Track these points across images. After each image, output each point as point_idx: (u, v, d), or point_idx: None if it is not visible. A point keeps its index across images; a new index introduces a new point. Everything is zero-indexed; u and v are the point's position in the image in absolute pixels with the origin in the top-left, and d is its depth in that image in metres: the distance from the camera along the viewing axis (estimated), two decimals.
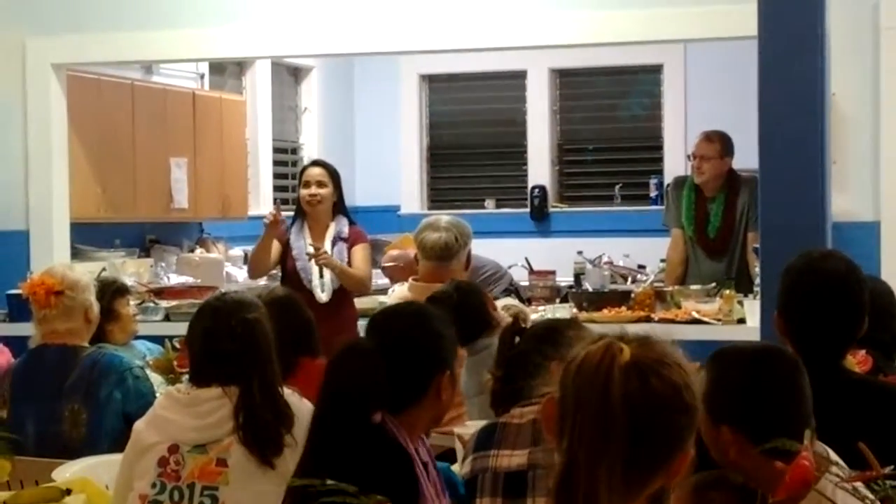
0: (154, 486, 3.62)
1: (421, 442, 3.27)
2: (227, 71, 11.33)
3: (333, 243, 6.99)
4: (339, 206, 7.14)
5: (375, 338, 3.28)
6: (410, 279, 6.17)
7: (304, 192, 7.08)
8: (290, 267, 7.01)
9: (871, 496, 2.36)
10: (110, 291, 5.76)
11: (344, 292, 6.94)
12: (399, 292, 6.01)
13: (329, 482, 2.30)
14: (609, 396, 2.04)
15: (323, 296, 6.82)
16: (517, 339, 3.90)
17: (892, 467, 2.34)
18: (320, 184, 7.05)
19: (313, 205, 7.03)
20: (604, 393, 2.04)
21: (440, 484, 3.25)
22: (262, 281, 9.30)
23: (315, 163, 7.45)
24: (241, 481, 3.48)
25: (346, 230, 7.06)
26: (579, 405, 2.06)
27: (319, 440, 3.05)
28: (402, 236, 11.18)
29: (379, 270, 10.35)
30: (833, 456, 2.80)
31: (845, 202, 6.66)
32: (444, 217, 6.16)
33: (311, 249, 6.89)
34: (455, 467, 4.06)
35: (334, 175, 7.15)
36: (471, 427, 4.47)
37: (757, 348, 3.16)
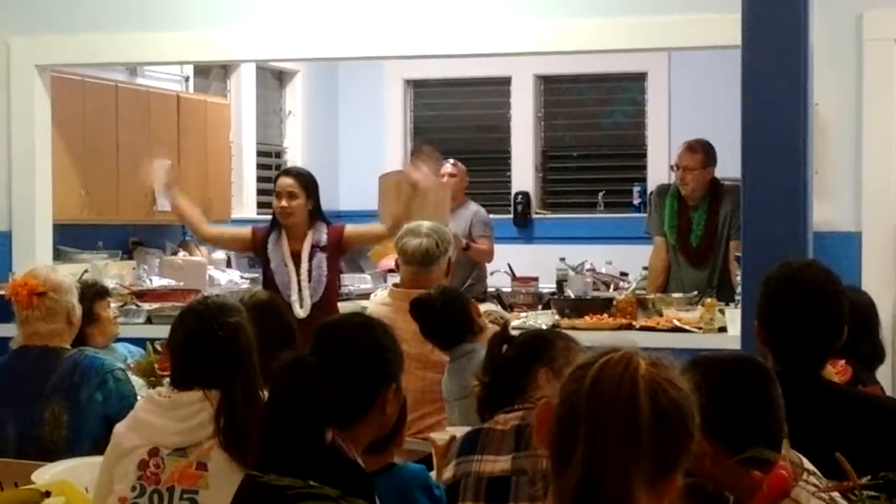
0: (134, 489, 3.61)
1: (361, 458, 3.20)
2: (212, 74, 11.33)
3: (312, 255, 6.80)
4: (315, 214, 6.93)
5: (320, 351, 3.23)
6: (391, 285, 6.18)
7: (275, 203, 6.90)
8: (268, 277, 6.89)
9: None
10: (90, 294, 5.75)
11: (323, 306, 6.68)
12: (380, 298, 6.01)
13: (312, 483, 2.30)
14: (637, 407, 2.06)
15: (301, 311, 6.60)
16: (505, 346, 3.91)
17: (868, 477, 2.36)
18: (291, 195, 6.81)
19: (285, 217, 6.84)
20: (631, 404, 2.06)
21: None
22: (245, 285, 9.33)
23: (286, 172, 7.16)
24: (220, 485, 3.47)
25: (324, 238, 6.84)
26: (604, 417, 2.07)
27: (270, 460, 2.92)
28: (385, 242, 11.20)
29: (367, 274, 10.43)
30: (808, 465, 2.81)
31: (827, 212, 6.68)
32: (425, 223, 6.15)
33: (289, 262, 6.80)
34: (431, 475, 4.07)
35: (307, 184, 6.89)
36: (447, 433, 4.49)
37: (729, 358, 3.17)
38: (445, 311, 5.10)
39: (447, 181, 9.28)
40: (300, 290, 6.71)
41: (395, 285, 6.04)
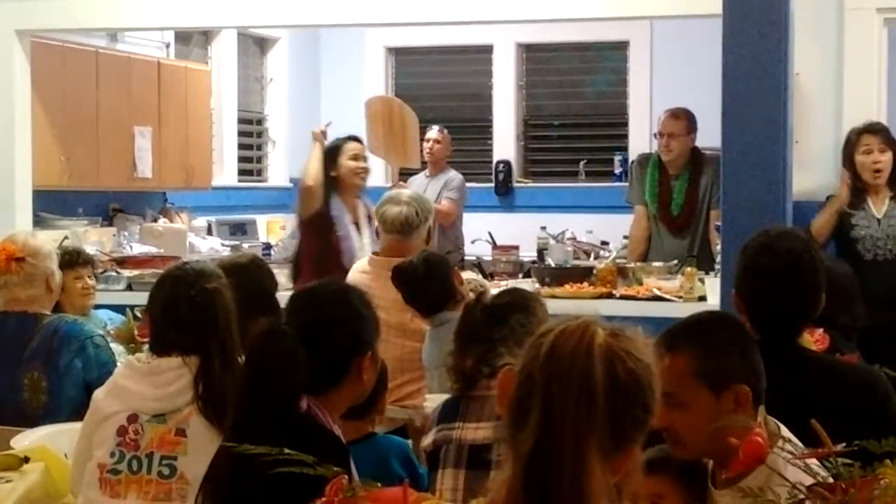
0: (113, 455, 3.62)
1: (338, 424, 3.20)
2: (193, 40, 11.29)
3: (369, 221, 6.97)
4: None
5: (295, 320, 3.23)
6: (371, 253, 6.18)
7: (352, 164, 7.10)
8: (332, 243, 6.94)
9: (823, 473, 2.39)
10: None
11: None
12: (359, 265, 6.01)
13: (288, 451, 2.31)
14: (592, 377, 2.05)
15: None
16: (478, 314, 3.92)
17: (843, 445, 2.37)
18: (366, 158, 7.16)
19: (363, 178, 7.10)
20: (586, 374, 2.05)
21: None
22: (226, 252, 9.32)
23: (356, 138, 7.45)
24: (199, 451, 3.47)
25: (370, 206, 6.99)
26: (559, 387, 2.06)
27: (245, 428, 2.95)
28: None
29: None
30: (785, 432, 2.82)
31: (807, 182, 6.69)
32: (405, 191, 6.15)
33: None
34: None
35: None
36: (431, 401, 4.50)
37: (709, 315, 3.21)
38: (427, 278, 5.11)
39: (432, 146, 9.37)
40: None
41: (375, 253, 6.04)
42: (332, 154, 7.19)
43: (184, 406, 3.59)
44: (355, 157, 7.09)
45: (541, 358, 2.09)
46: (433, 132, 9.55)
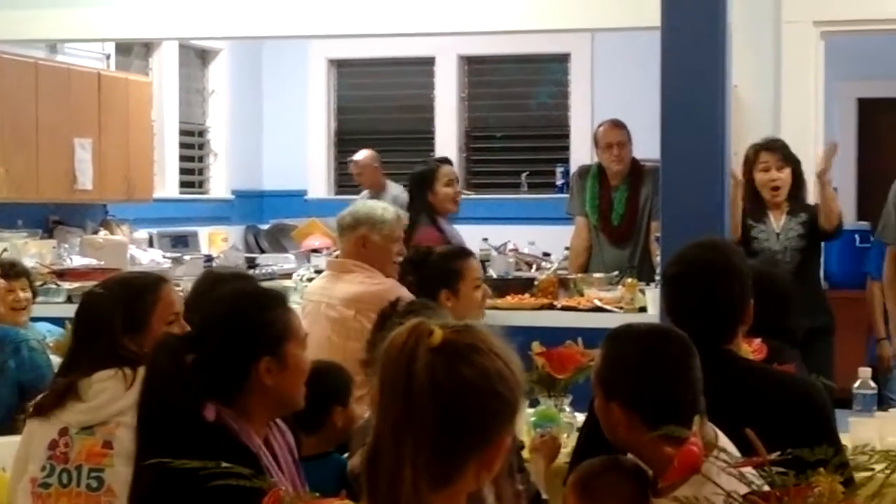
0: (43, 468, 3.58)
1: (275, 430, 3.15)
2: (134, 52, 11.24)
3: None
4: None
5: (193, 326, 3.22)
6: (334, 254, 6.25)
7: (449, 190, 7.22)
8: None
9: (757, 482, 2.41)
10: None
11: None
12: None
13: (224, 464, 2.30)
14: (413, 378, 2.01)
15: None
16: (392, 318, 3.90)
17: (778, 453, 2.39)
18: (458, 181, 7.33)
19: (457, 202, 7.25)
20: (408, 374, 2.01)
21: (298, 475, 3.16)
22: (167, 264, 9.27)
23: (447, 160, 7.56)
24: (126, 464, 3.43)
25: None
26: (385, 385, 2.05)
27: (144, 441, 2.94)
28: (308, 221, 11.18)
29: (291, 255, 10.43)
30: (722, 440, 2.85)
31: None
32: (378, 203, 6.12)
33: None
34: None
35: None
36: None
37: (652, 329, 3.22)
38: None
39: (356, 179, 9.54)
40: None
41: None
42: (426, 178, 7.27)
43: (111, 418, 3.56)
44: (451, 183, 7.15)
45: (381, 357, 2.08)
46: (351, 166, 9.75)
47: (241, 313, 3.13)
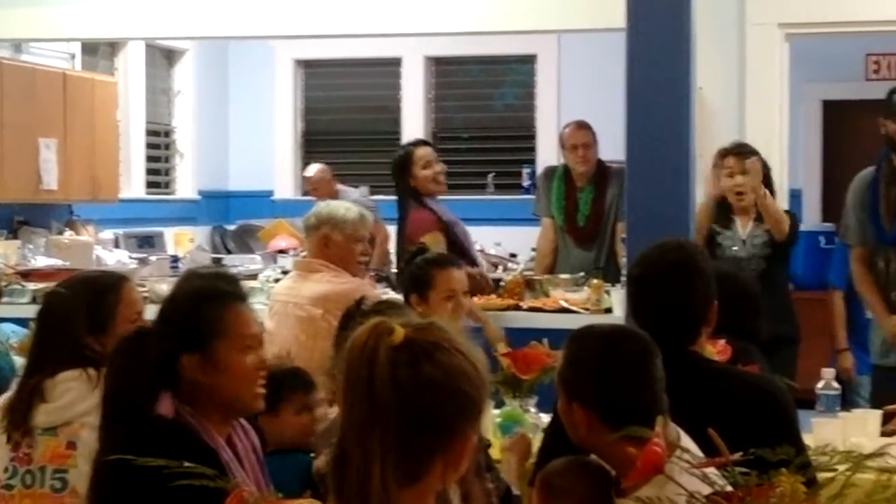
0: (6, 470, 3.58)
1: (238, 430, 3.14)
2: (100, 51, 11.20)
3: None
4: None
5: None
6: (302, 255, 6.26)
7: (428, 172, 7.18)
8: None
9: (720, 482, 2.42)
10: None
11: None
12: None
13: (187, 464, 2.29)
14: (374, 377, 2.01)
15: None
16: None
17: (740, 454, 2.40)
18: (438, 160, 7.20)
19: (441, 182, 7.18)
20: (369, 373, 2.01)
21: (262, 476, 3.14)
22: (133, 265, 9.24)
23: (424, 142, 7.51)
24: (90, 464, 3.44)
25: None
26: (348, 384, 2.05)
27: (109, 440, 2.96)
28: (275, 221, 11.18)
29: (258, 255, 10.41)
30: (685, 439, 2.86)
31: None
32: (341, 203, 6.14)
33: None
34: None
35: None
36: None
37: (613, 329, 3.23)
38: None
39: (311, 195, 9.57)
40: None
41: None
42: (403, 163, 7.25)
43: (75, 419, 3.55)
44: (429, 164, 7.12)
45: (344, 357, 2.08)
46: (304, 183, 9.85)
47: (171, 309, 3.15)
